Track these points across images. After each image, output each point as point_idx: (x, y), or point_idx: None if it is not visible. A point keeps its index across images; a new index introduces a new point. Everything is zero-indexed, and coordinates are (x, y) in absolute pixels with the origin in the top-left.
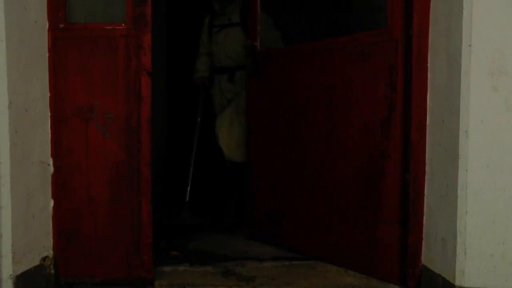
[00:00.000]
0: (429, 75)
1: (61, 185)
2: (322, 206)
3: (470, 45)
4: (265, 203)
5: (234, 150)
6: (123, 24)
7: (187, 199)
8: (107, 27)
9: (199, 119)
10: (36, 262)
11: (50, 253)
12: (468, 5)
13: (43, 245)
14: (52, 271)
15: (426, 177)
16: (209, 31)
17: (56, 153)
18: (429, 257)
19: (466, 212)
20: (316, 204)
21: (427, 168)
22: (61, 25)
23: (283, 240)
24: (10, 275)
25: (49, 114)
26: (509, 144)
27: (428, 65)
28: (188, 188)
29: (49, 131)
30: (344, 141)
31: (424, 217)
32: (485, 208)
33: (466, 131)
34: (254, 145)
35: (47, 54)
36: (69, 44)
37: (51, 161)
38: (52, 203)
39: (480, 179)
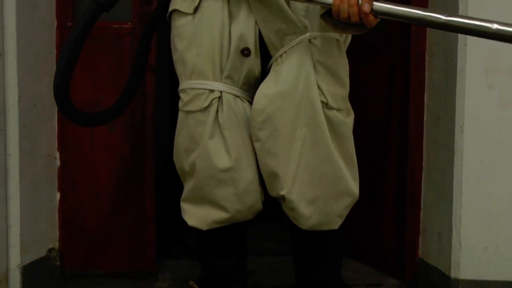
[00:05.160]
0: (426, 73)
1: (67, 178)
2: None
3: (465, 44)
4: None
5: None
6: (129, 23)
7: None
8: (113, 26)
9: None
10: (43, 253)
11: (56, 244)
12: (463, 5)
13: (49, 237)
14: (58, 263)
15: (423, 173)
16: None
17: (63, 147)
18: (426, 250)
19: (461, 205)
20: None
21: (424, 163)
22: (69, 24)
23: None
24: (18, 265)
25: (56, 108)
26: (503, 140)
27: (426, 63)
28: None
29: (56, 125)
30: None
31: (421, 212)
32: (479, 202)
33: (461, 127)
34: None
35: (55, 51)
36: None
37: (57, 155)
38: (58, 195)
39: (475, 174)
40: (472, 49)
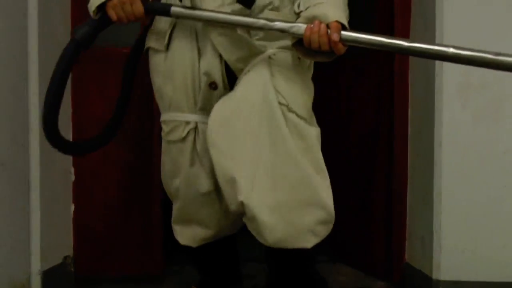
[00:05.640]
0: (409, 92)
1: (80, 191)
2: None
3: (442, 67)
4: None
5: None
6: None
7: None
8: (123, 50)
9: None
10: (59, 260)
11: (70, 252)
12: (439, 33)
13: (65, 245)
14: (72, 269)
15: (408, 183)
16: None
17: (77, 162)
18: (411, 254)
19: (441, 213)
20: None
21: (409, 174)
22: None
23: None
24: (39, 271)
25: (70, 123)
26: (477, 152)
27: (409, 82)
28: None
29: (71, 137)
30: (347, 151)
31: (407, 219)
32: (457, 209)
33: (440, 142)
34: None
35: (70, 75)
36: (89, 64)
37: (72, 170)
38: (72, 207)
39: (453, 183)
40: (448, 71)
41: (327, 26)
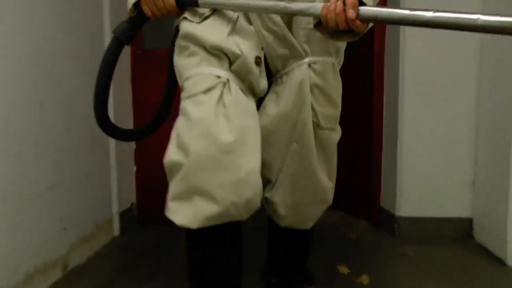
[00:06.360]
0: (384, 83)
1: (140, 156)
2: None
3: (403, 65)
4: None
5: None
6: None
7: None
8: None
9: None
10: (127, 206)
11: (134, 201)
12: (402, 41)
13: (130, 195)
14: (136, 213)
15: (383, 148)
16: None
17: None
18: (384, 200)
19: (402, 169)
20: None
21: (383, 142)
22: (139, 51)
23: None
24: (117, 211)
25: (131, 109)
26: (427, 126)
27: (384, 75)
28: None
29: (132, 120)
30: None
31: (382, 174)
32: (412, 166)
33: (402, 119)
34: None
35: (129, 71)
36: (144, 64)
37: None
38: (134, 168)
39: (409, 148)
40: (407, 69)
41: (344, 3)
